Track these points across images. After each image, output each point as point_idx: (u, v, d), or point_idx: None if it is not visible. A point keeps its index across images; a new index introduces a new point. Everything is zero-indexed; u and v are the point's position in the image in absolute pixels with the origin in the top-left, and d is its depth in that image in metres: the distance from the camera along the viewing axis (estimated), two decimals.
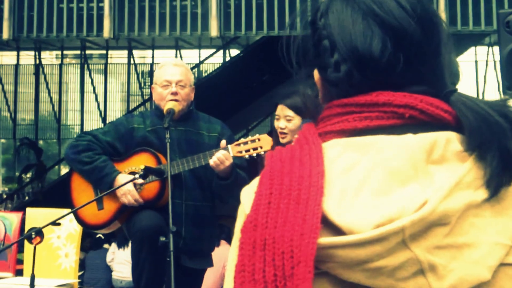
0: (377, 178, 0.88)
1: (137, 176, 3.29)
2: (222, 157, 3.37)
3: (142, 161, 3.52)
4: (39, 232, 3.36)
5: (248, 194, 0.93)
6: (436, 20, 1.01)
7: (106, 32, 11.74)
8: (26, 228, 4.87)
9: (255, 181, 0.93)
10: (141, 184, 3.52)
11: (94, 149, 3.57)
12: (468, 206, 0.88)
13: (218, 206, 3.77)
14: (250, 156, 3.46)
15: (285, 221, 0.85)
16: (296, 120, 3.65)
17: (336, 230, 0.85)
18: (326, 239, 0.84)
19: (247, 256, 0.84)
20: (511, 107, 0.95)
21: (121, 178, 3.49)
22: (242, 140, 3.49)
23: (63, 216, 3.74)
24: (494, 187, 0.89)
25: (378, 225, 0.84)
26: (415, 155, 0.90)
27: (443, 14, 9.53)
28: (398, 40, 0.96)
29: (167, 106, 3.50)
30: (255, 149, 3.45)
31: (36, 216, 4.98)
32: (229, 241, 7.51)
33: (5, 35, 12.01)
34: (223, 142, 3.44)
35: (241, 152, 3.44)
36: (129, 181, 3.38)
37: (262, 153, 3.45)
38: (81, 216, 3.68)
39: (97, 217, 3.63)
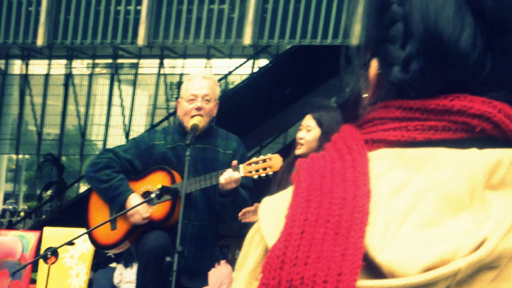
0: (428, 205, 0.77)
1: (152, 196, 3.68)
2: (229, 179, 3.74)
3: (157, 179, 3.91)
4: (54, 252, 3.78)
5: (270, 217, 0.81)
6: None
7: (141, 40, 12.14)
8: (42, 247, 5.30)
9: (281, 199, 0.81)
10: (154, 204, 3.91)
11: (113, 166, 3.93)
12: None
13: (221, 225, 4.16)
14: (259, 176, 3.81)
15: (319, 257, 0.73)
16: (316, 132, 3.88)
17: (374, 270, 0.75)
18: (366, 283, 0.74)
19: None
20: None
21: (133, 198, 3.90)
22: (254, 159, 3.84)
23: (78, 237, 4.15)
24: None
25: (428, 267, 0.73)
26: (475, 176, 0.78)
27: None
28: (493, 35, 0.80)
29: (191, 121, 3.86)
30: (264, 169, 3.79)
31: (53, 235, 5.40)
32: (229, 261, 7.88)
33: (40, 41, 12.50)
34: (234, 162, 3.81)
35: (251, 172, 3.79)
36: (139, 204, 3.79)
37: (271, 173, 3.80)
38: (95, 236, 4.11)
39: (109, 237, 4.05)
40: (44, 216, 13.09)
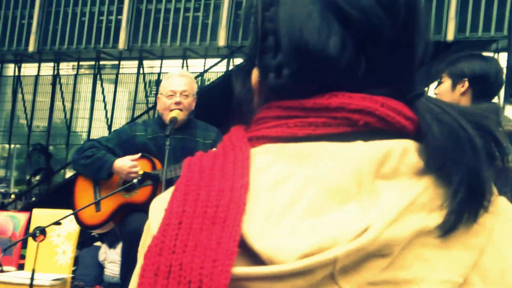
0: (311, 196, 0.72)
1: (134, 181, 3.54)
2: None
3: (139, 166, 3.81)
4: (43, 231, 3.68)
5: (157, 210, 0.77)
6: (418, 7, 0.82)
7: (121, 44, 12.16)
8: (32, 227, 5.18)
9: (167, 194, 0.77)
10: (137, 188, 3.79)
11: (97, 147, 3.82)
12: (417, 233, 0.71)
13: None
14: None
15: (196, 245, 0.70)
16: None
17: (256, 258, 0.70)
18: (240, 269, 0.69)
19: (147, 285, 0.70)
20: (491, 118, 0.79)
21: (119, 160, 3.75)
22: None
23: (65, 217, 4.04)
24: (454, 220, 0.72)
25: (306, 254, 0.68)
26: (362, 167, 0.73)
27: (452, 21, 9.37)
28: (363, 40, 0.77)
29: (170, 114, 3.77)
30: None
31: (41, 216, 5.29)
32: None
33: (31, 47, 12.68)
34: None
35: None
36: (124, 187, 3.66)
37: None
38: (80, 217, 4.00)
39: (94, 218, 3.95)
40: (33, 199, 13.06)
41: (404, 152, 0.75)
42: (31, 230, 5.09)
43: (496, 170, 0.76)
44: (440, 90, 2.93)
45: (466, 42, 9.36)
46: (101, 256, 7.25)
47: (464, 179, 0.73)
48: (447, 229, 0.71)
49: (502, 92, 3.15)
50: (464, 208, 0.72)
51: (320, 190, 0.72)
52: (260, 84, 0.84)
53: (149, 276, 0.70)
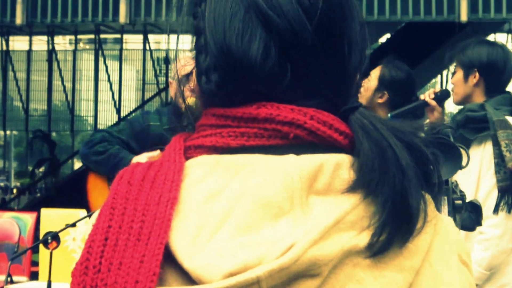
0: (243, 211, 0.73)
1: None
2: None
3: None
4: (55, 237, 3.34)
5: (91, 225, 0.78)
6: (347, 9, 0.81)
7: (122, 17, 11.99)
8: (41, 229, 4.89)
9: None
10: None
11: (108, 141, 3.63)
12: (347, 253, 0.72)
13: None
14: None
15: (121, 263, 0.71)
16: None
17: (188, 277, 0.71)
18: None
19: None
20: (420, 136, 0.79)
21: (137, 158, 3.52)
22: None
23: (80, 219, 3.73)
24: (380, 241, 0.73)
25: (230, 273, 0.69)
26: (293, 182, 0.74)
27: (464, 2, 9.63)
28: (286, 46, 0.77)
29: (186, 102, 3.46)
30: None
31: (51, 216, 4.98)
32: None
33: (18, 20, 12.25)
34: None
35: None
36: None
37: None
38: None
39: None
40: (38, 194, 12.92)
41: (337, 166, 0.76)
42: (41, 233, 4.79)
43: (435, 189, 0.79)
44: (455, 80, 3.01)
45: (479, 23, 9.65)
46: None
47: (390, 198, 0.74)
48: (376, 250, 0.73)
49: None
50: (388, 229, 0.73)
51: (253, 205, 0.73)
52: (197, 87, 0.86)
53: None
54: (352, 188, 0.75)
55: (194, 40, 0.84)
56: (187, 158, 0.80)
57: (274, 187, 0.74)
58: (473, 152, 2.76)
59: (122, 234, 0.73)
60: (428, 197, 0.77)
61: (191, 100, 3.24)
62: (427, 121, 3.04)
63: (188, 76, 0.94)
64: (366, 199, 0.75)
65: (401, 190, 0.75)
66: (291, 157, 0.76)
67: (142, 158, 3.47)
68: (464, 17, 9.76)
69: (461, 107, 3.02)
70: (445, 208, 1.96)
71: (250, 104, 0.78)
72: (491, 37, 14.83)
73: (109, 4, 11.93)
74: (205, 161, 0.79)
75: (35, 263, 5.18)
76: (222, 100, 0.80)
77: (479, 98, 2.92)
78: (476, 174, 2.80)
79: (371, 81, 3.47)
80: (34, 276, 5.00)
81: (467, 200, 1.99)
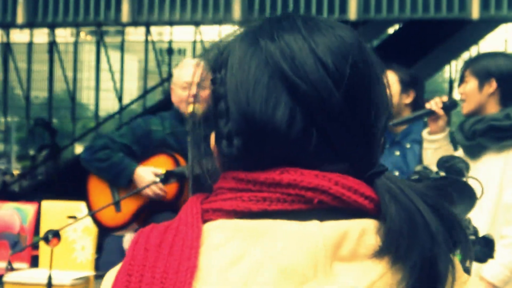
0: (267, 277, 0.72)
1: (157, 179, 3.40)
2: None
3: (160, 163, 3.57)
4: (56, 234, 3.43)
5: (107, 285, 0.77)
6: (372, 72, 0.81)
7: (125, 16, 11.77)
8: (42, 221, 5.00)
9: (115, 272, 0.77)
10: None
11: (111, 147, 3.63)
12: None
13: None
14: None
15: None
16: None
17: None
18: None
19: None
20: (446, 203, 0.79)
21: (141, 170, 3.55)
22: None
23: (81, 218, 3.87)
24: None
25: None
26: (318, 249, 0.73)
27: (476, 0, 9.58)
28: (312, 112, 0.77)
29: (189, 109, 3.51)
30: None
31: (52, 209, 5.07)
32: None
33: (20, 19, 12.15)
34: None
35: None
36: (148, 185, 3.48)
37: None
38: (99, 218, 3.77)
39: (115, 220, 3.72)
40: (39, 177, 12.87)
41: (363, 232, 0.75)
42: (41, 227, 4.94)
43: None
44: (466, 90, 2.91)
45: (491, 20, 9.55)
46: (126, 244, 7.23)
47: (418, 264, 0.73)
48: None
49: None
50: None
51: (275, 272, 0.72)
52: (216, 150, 0.84)
53: None
54: (379, 254, 0.74)
55: (212, 105, 0.83)
56: (204, 221, 0.79)
57: (298, 254, 0.73)
58: (491, 158, 2.79)
59: None
60: (456, 259, 0.77)
61: (193, 107, 3.39)
62: (428, 129, 3.08)
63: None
64: (394, 266, 0.74)
65: (430, 257, 0.74)
66: (314, 223, 0.75)
67: (147, 172, 3.50)
68: (476, 14, 9.56)
69: (459, 111, 3.02)
70: None
71: (273, 169, 0.77)
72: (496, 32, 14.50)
73: (111, 2, 11.85)
74: (225, 225, 0.77)
75: (35, 247, 5.26)
76: (244, 164, 0.79)
77: (493, 107, 2.86)
78: (497, 179, 2.77)
79: (392, 85, 3.35)
80: (34, 261, 5.06)
81: (480, 235, 1.99)
